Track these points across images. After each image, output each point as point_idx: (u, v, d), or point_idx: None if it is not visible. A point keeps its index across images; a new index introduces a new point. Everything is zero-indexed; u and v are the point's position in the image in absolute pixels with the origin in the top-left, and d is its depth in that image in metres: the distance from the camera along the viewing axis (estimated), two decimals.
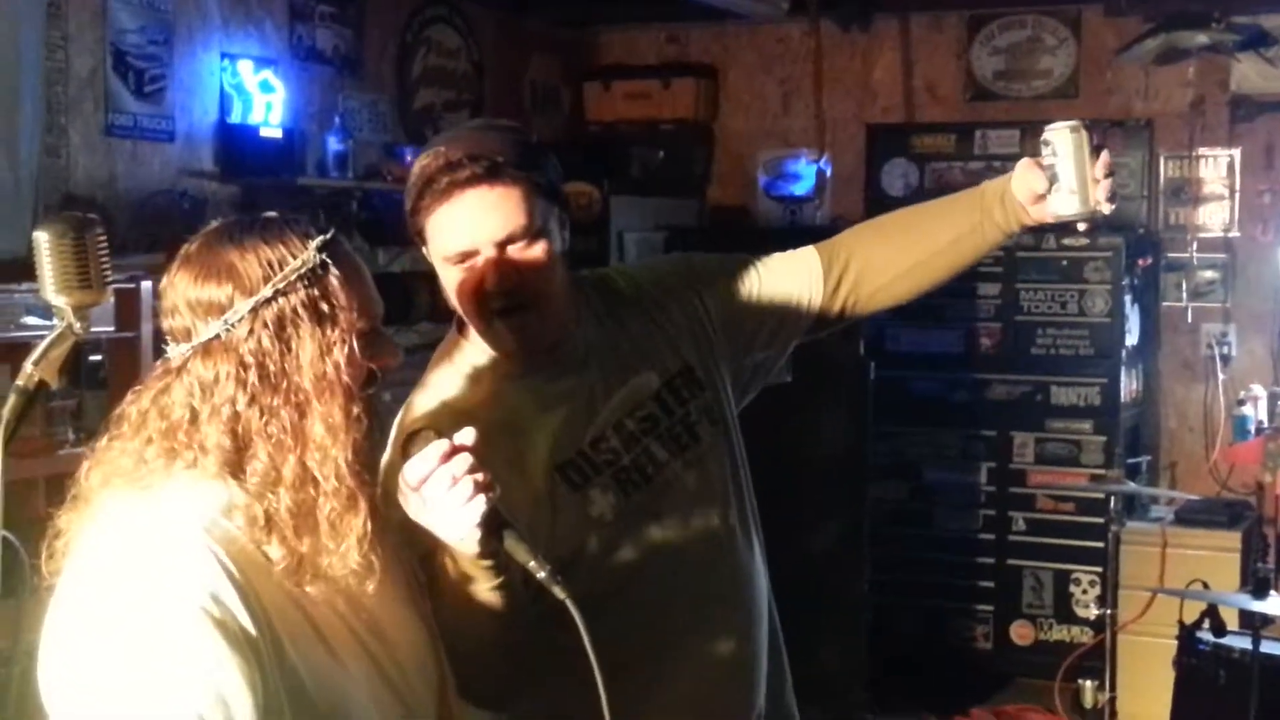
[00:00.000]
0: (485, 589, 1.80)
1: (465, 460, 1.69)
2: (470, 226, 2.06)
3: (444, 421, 1.92)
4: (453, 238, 2.07)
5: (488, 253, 2.07)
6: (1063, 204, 2.10)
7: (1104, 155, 2.13)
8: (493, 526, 1.71)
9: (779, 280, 2.35)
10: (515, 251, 2.08)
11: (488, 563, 1.76)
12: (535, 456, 2.11)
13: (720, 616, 2.22)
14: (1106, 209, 2.15)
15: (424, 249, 2.14)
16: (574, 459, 2.13)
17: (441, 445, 1.69)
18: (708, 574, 2.21)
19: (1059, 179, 2.09)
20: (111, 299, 3.86)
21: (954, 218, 2.33)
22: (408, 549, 1.80)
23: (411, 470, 1.69)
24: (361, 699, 1.62)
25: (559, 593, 1.69)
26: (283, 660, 1.54)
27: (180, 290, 1.63)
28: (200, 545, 1.54)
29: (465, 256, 2.07)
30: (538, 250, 2.09)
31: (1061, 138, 2.08)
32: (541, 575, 1.70)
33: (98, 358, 4.13)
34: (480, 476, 1.69)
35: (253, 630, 1.52)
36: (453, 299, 2.12)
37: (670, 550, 2.17)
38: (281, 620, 1.56)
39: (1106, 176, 2.13)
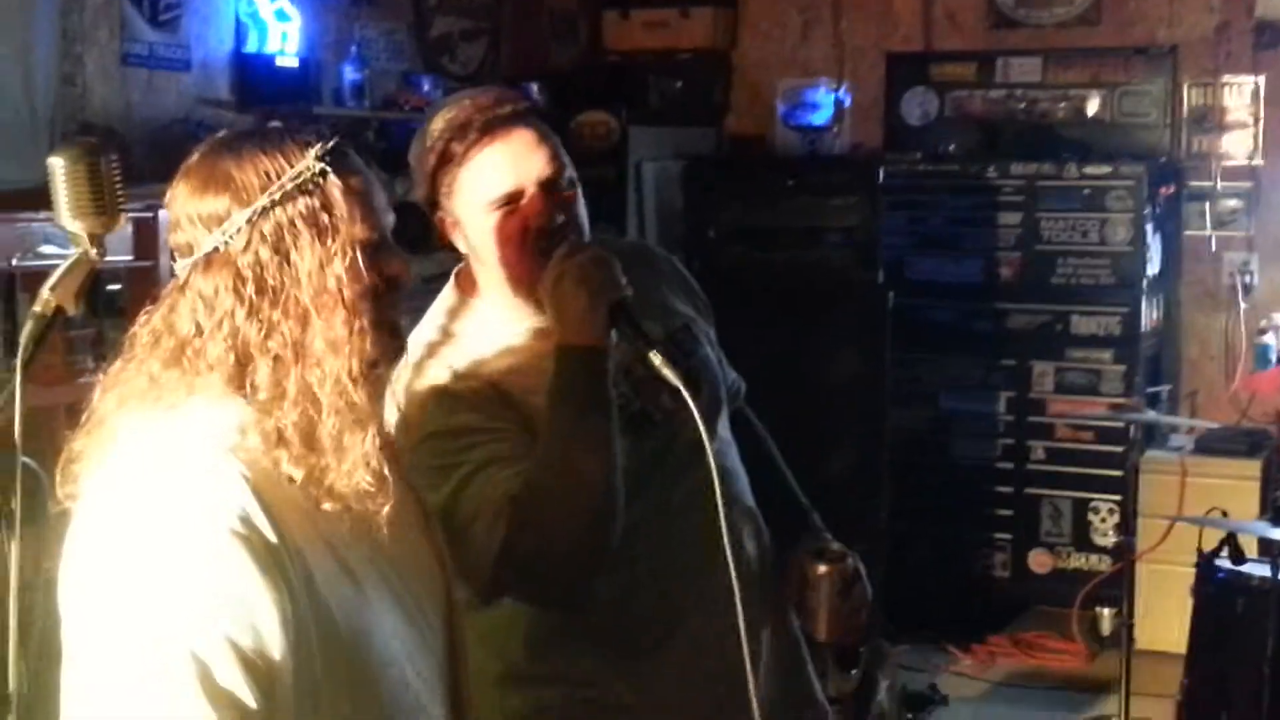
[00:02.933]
0: (597, 397, 1.96)
1: (614, 260, 1.98)
2: (516, 164, 2.07)
3: (471, 382, 2.06)
4: (497, 178, 2.07)
5: (532, 192, 2.08)
6: (807, 625, 2.28)
7: (857, 595, 2.24)
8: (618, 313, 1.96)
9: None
10: (555, 193, 2.10)
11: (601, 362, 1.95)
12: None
13: (715, 582, 2.17)
14: (845, 641, 2.28)
15: (444, 207, 2.14)
16: None
17: (601, 251, 1.99)
18: (705, 534, 2.17)
19: (808, 603, 2.25)
20: (129, 227, 3.88)
21: (774, 525, 2.39)
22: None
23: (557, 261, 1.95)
24: (382, 627, 1.61)
25: (672, 377, 1.90)
26: (310, 585, 1.53)
27: (181, 203, 1.61)
28: (226, 465, 1.53)
29: (510, 199, 2.07)
30: (576, 194, 2.14)
31: (814, 574, 2.23)
32: (656, 361, 1.91)
33: (116, 286, 4.14)
34: (620, 273, 1.97)
35: (282, 553, 1.51)
36: (490, 247, 2.11)
37: (673, 503, 2.18)
38: (307, 543, 1.55)
39: (854, 613, 2.23)
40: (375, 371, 1.62)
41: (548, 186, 2.10)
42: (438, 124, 2.10)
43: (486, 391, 2.09)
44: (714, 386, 2.30)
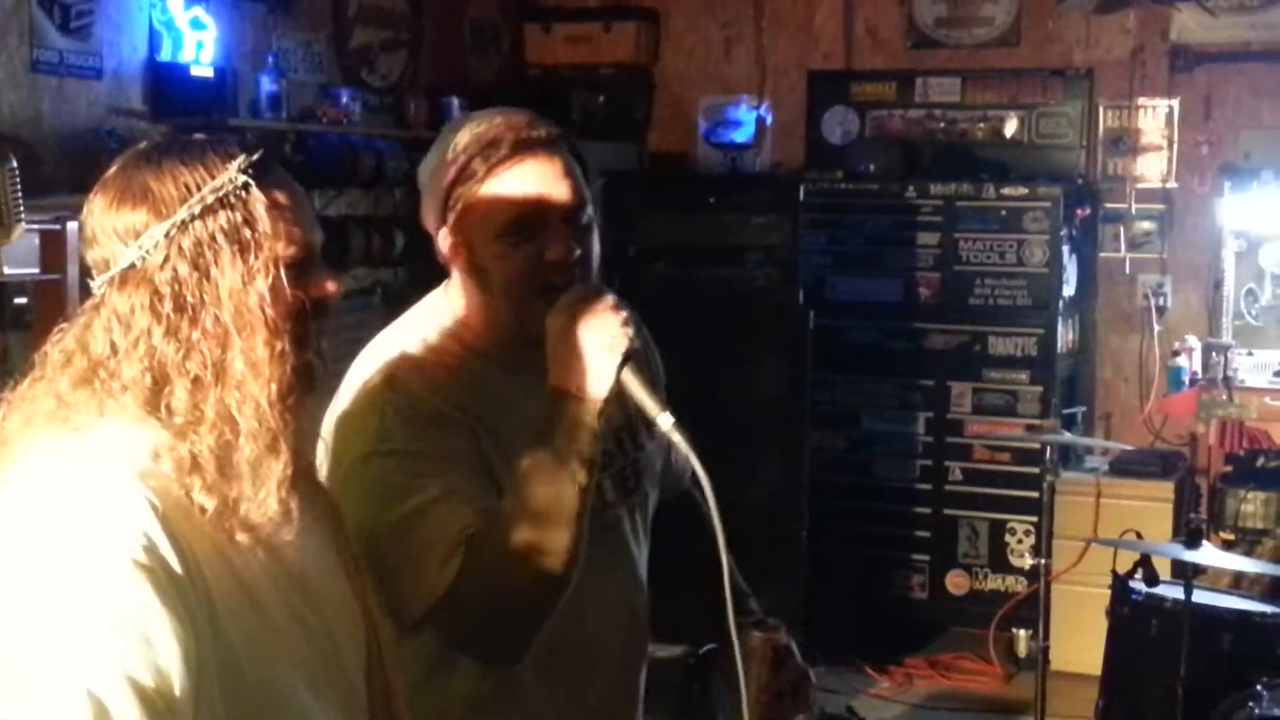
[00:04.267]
0: (585, 458, 1.85)
1: (623, 311, 1.88)
2: (540, 190, 1.99)
3: (421, 389, 1.98)
4: (519, 202, 1.98)
5: (552, 224, 2.00)
6: (738, 702, 2.18)
7: (788, 674, 2.23)
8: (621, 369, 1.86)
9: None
10: (575, 227, 2.03)
11: (598, 422, 1.86)
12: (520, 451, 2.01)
13: (627, 660, 2.22)
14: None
15: (452, 226, 2.03)
16: None
17: (611, 298, 1.89)
18: (627, 619, 2.19)
19: (742, 682, 2.14)
20: (36, 239, 3.79)
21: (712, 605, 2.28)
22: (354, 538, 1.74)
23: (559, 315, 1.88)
24: (292, 669, 1.55)
25: (681, 443, 1.82)
26: (215, 621, 1.46)
27: (97, 216, 1.54)
28: (134, 491, 1.45)
29: (528, 226, 1.98)
30: (593, 232, 2.07)
31: (746, 653, 2.16)
32: (667, 424, 1.83)
33: (23, 300, 4.05)
34: (630, 327, 1.87)
35: (188, 586, 1.44)
36: (498, 274, 2.01)
37: (602, 594, 2.10)
38: (212, 574, 1.48)
39: (783, 696, 2.21)
40: (294, 395, 1.55)
41: (568, 219, 2.01)
42: (463, 137, 2.01)
43: (457, 420, 1.98)
44: (651, 481, 2.26)
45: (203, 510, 1.49)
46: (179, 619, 1.41)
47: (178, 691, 1.39)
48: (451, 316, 2.09)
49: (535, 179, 1.99)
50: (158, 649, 1.39)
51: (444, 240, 2.05)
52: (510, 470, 1.89)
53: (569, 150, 2.06)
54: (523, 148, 2.00)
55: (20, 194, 1.63)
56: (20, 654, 1.37)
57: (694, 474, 1.85)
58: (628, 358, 1.86)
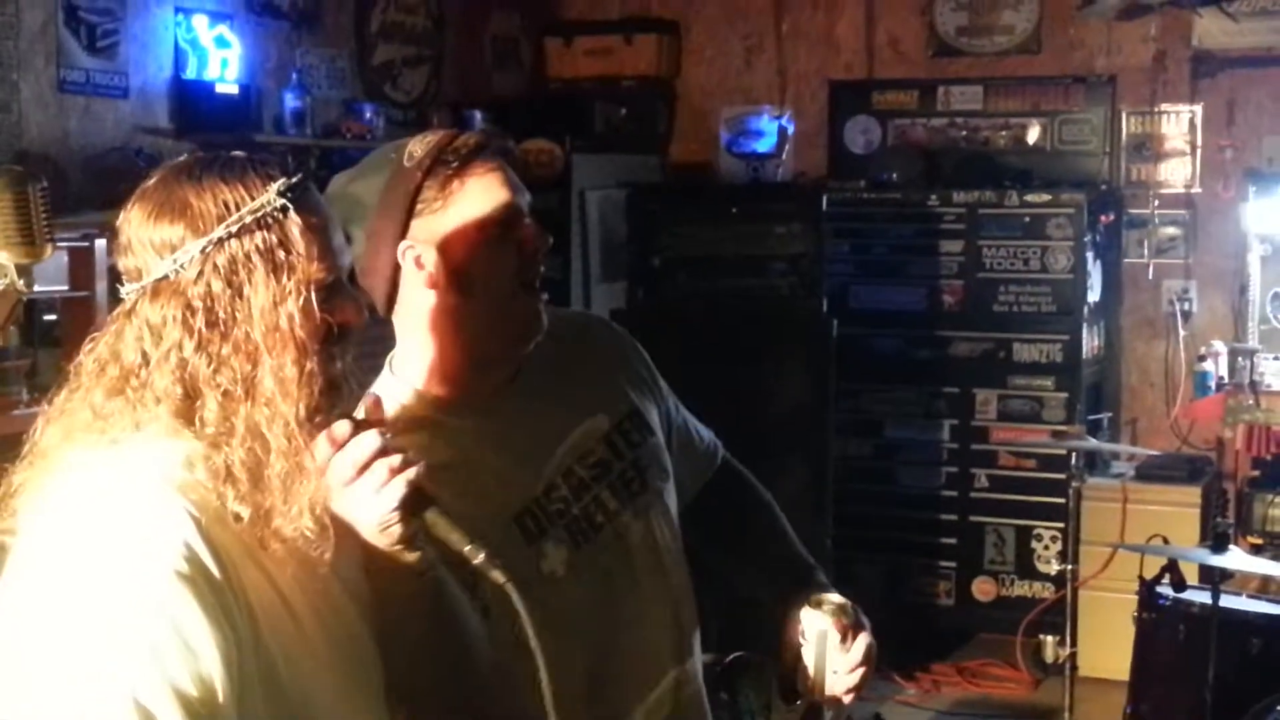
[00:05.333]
0: (416, 589, 1.65)
1: (372, 442, 1.57)
2: (511, 185, 1.97)
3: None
4: (497, 195, 1.96)
5: (523, 218, 1.98)
6: (802, 681, 2.12)
7: (856, 651, 2.09)
8: (414, 509, 1.58)
9: (682, 443, 2.29)
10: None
11: (414, 555, 1.62)
12: (489, 504, 1.93)
13: (657, 677, 2.11)
14: (845, 699, 2.11)
15: (417, 237, 1.95)
16: (529, 507, 1.99)
17: (343, 428, 1.57)
18: (650, 633, 2.10)
19: (804, 659, 2.10)
20: (64, 256, 3.83)
21: (768, 583, 2.28)
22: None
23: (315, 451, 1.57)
24: (324, 676, 1.57)
25: (498, 576, 1.59)
26: (256, 629, 1.48)
27: (134, 226, 1.55)
28: (173, 502, 1.47)
29: (509, 219, 1.96)
30: None
31: (810, 624, 2.09)
32: (478, 560, 1.59)
33: (52, 317, 4.09)
34: (395, 459, 1.57)
35: (228, 595, 1.46)
36: (480, 273, 1.96)
37: (616, 608, 2.06)
38: (251, 583, 1.50)
39: (853, 670, 2.09)
40: (321, 415, 1.56)
41: (530, 214, 2.01)
42: (415, 148, 1.96)
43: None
44: (661, 475, 2.16)
45: (237, 518, 1.51)
46: (221, 628, 1.43)
47: (221, 700, 1.42)
48: (400, 384, 2.00)
49: (501, 177, 1.97)
50: (201, 658, 1.41)
51: (408, 253, 1.95)
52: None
53: (506, 154, 2.03)
54: (478, 150, 1.97)
55: (50, 213, 1.66)
56: (67, 666, 1.39)
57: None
58: (408, 501, 1.58)
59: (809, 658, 2.07)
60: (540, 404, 2.06)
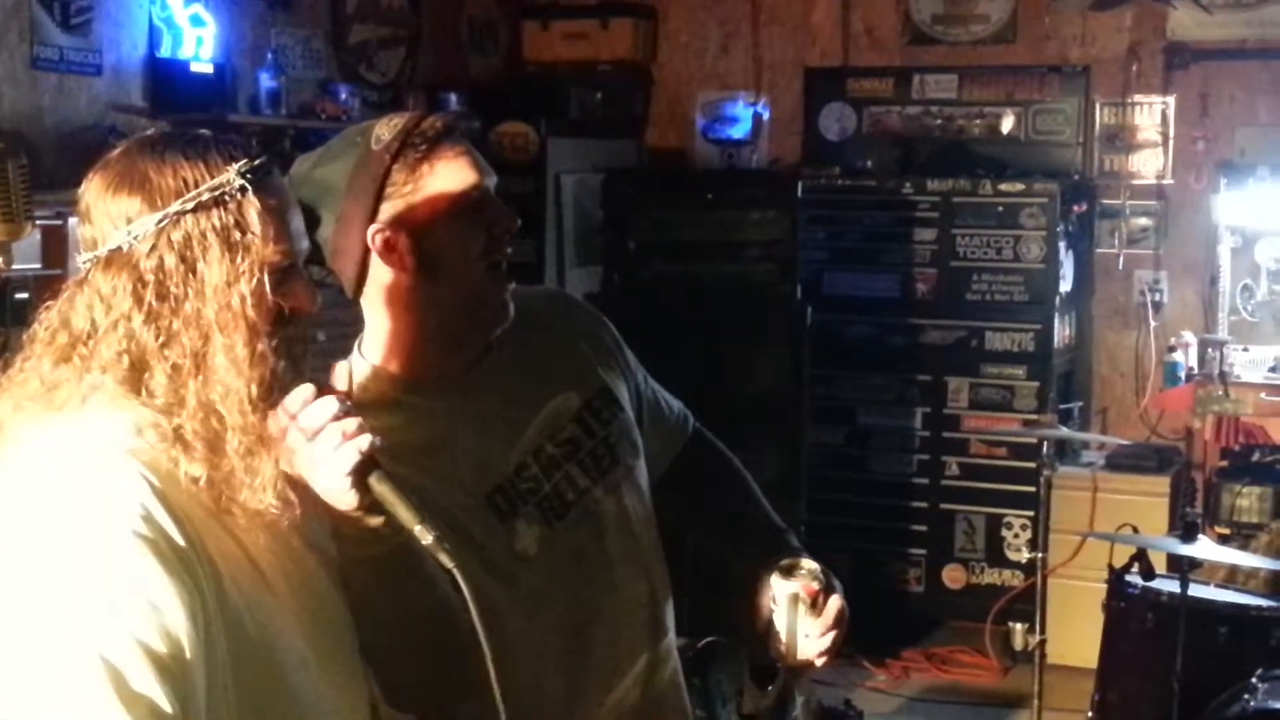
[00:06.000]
0: (383, 552, 1.65)
1: (330, 406, 1.57)
2: (478, 168, 1.98)
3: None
4: (468, 174, 1.97)
5: (492, 200, 1.99)
6: (774, 646, 2.11)
7: (828, 614, 2.08)
8: (365, 476, 1.58)
9: (652, 417, 2.29)
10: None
11: (377, 520, 1.62)
12: (460, 484, 1.96)
13: (634, 655, 2.12)
14: (817, 663, 2.11)
15: (387, 218, 1.94)
16: (501, 486, 2.00)
17: (306, 390, 1.58)
18: (625, 610, 2.11)
19: (775, 624, 2.09)
20: (37, 234, 3.80)
21: (741, 550, 2.26)
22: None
23: (275, 417, 1.58)
24: (293, 633, 1.58)
25: (445, 559, 1.58)
26: (219, 585, 1.50)
27: (93, 196, 1.57)
28: (126, 466, 1.49)
29: (480, 198, 1.97)
30: None
31: (781, 589, 2.08)
32: (426, 540, 1.58)
33: (24, 295, 4.06)
34: (350, 424, 1.57)
35: (189, 553, 1.47)
36: (453, 254, 1.96)
37: (590, 586, 2.06)
38: (213, 541, 1.52)
39: (824, 634, 2.08)
40: (274, 397, 1.57)
41: (498, 196, 2.02)
42: (382, 132, 1.96)
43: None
44: (632, 451, 2.16)
45: (194, 480, 1.52)
46: (184, 585, 1.45)
47: (188, 655, 1.43)
48: (370, 367, 2.01)
49: (469, 160, 1.98)
50: (166, 615, 1.43)
51: (377, 236, 1.95)
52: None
53: (469, 137, 2.04)
54: (446, 133, 1.98)
55: (29, 190, 1.65)
56: (33, 630, 1.40)
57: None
58: (362, 470, 1.58)
59: (780, 622, 2.07)
60: (510, 383, 2.07)
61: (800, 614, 2.06)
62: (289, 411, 1.57)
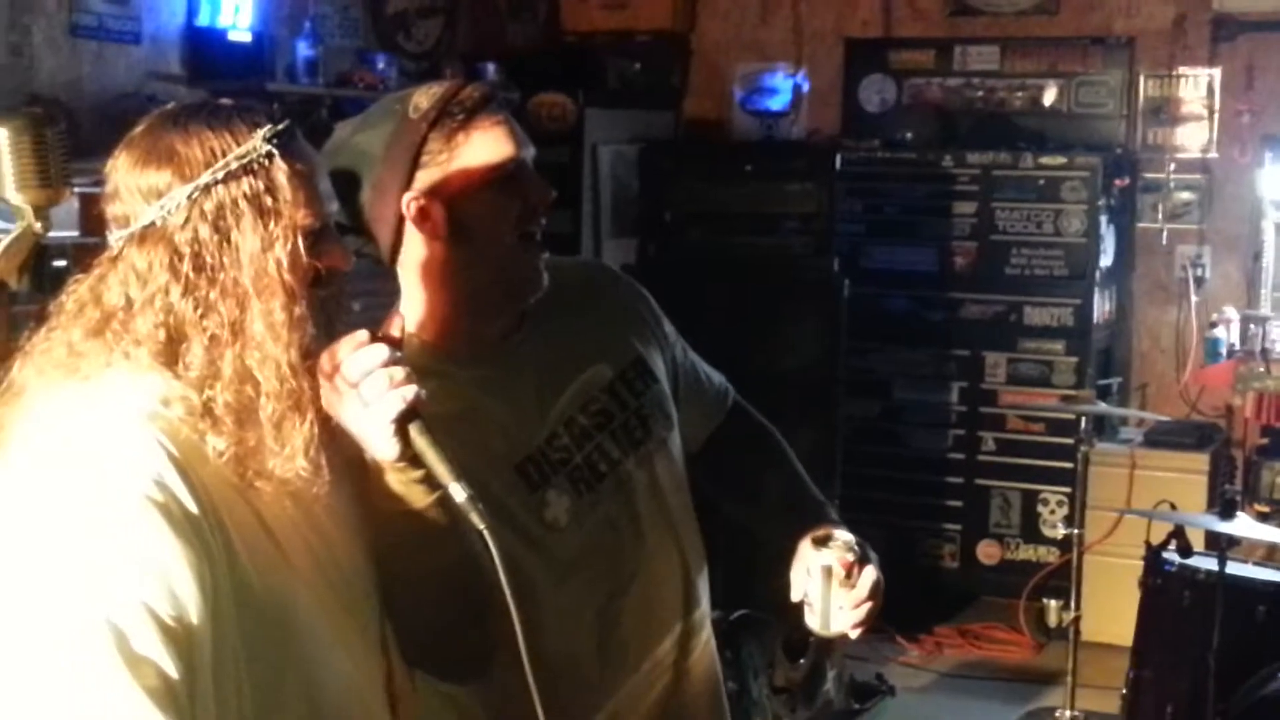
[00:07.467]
0: (421, 507, 1.65)
1: (381, 352, 1.59)
2: (515, 139, 1.99)
3: None
4: (505, 145, 1.97)
5: (528, 171, 2.00)
6: (808, 617, 2.10)
7: (862, 586, 2.05)
8: (407, 425, 1.60)
9: (690, 388, 2.29)
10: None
11: (416, 474, 1.63)
12: (492, 453, 1.97)
13: (667, 627, 2.13)
14: (851, 634, 2.09)
15: (423, 185, 1.95)
16: (533, 456, 2.01)
17: (360, 336, 1.60)
18: (657, 581, 2.12)
19: (809, 596, 2.08)
20: (76, 201, 3.81)
21: (779, 524, 2.22)
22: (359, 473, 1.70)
23: (330, 358, 1.60)
24: (307, 601, 1.58)
25: (476, 520, 1.60)
26: (231, 553, 1.50)
27: (121, 174, 1.58)
28: (143, 433, 1.50)
29: (514, 174, 1.97)
30: None
31: (815, 561, 2.06)
32: (461, 499, 1.60)
33: (62, 263, 4.07)
34: (398, 373, 1.59)
35: (200, 518, 1.48)
36: (486, 222, 1.97)
37: (622, 557, 2.07)
38: (228, 512, 1.52)
39: (858, 606, 2.05)
40: (313, 359, 1.58)
41: (534, 168, 2.03)
42: (420, 100, 1.97)
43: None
44: (665, 423, 2.17)
45: (218, 454, 1.53)
46: (195, 551, 1.46)
47: (195, 620, 1.44)
48: (413, 336, 1.99)
49: (505, 129, 1.99)
50: (174, 580, 1.44)
51: (412, 204, 1.96)
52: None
53: (508, 107, 2.04)
54: (485, 101, 1.98)
55: (68, 156, 1.66)
56: (41, 590, 1.42)
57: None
58: (405, 418, 1.60)
59: (813, 594, 2.06)
60: (543, 353, 2.08)
61: (834, 586, 2.05)
62: (340, 355, 1.59)
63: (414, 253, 2.00)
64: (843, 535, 2.09)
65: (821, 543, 2.07)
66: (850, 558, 2.05)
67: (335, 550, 1.65)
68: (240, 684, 1.50)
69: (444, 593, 1.72)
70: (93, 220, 3.94)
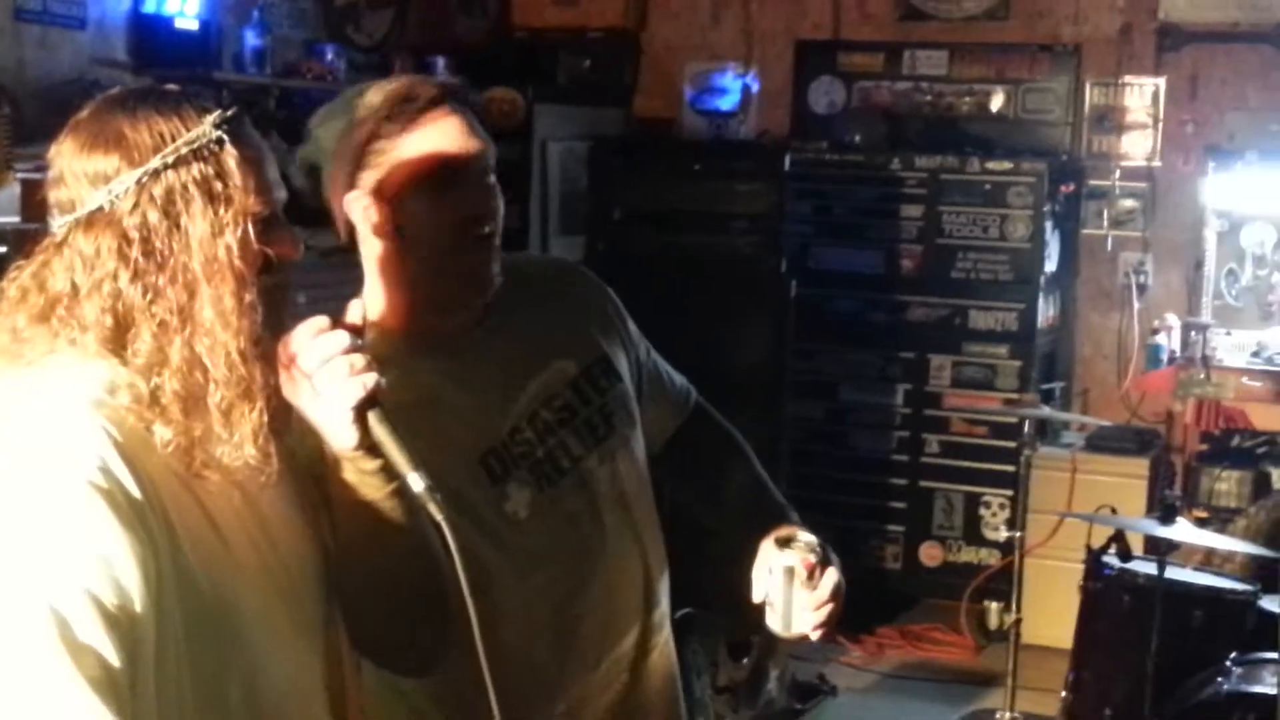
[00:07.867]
0: (379, 497, 1.64)
1: (342, 339, 1.58)
2: (459, 143, 1.97)
3: None
4: (442, 154, 1.95)
5: (470, 176, 1.98)
6: (769, 618, 2.10)
7: (823, 588, 2.05)
8: (366, 413, 1.59)
9: (653, 389, 2.29)
10: (487, 179, 2.01)
11: (374, 463, 1.61)
12: (454, 444, 1.97)
13: (626, 625, 2.13)
14: (813, 636, 2.09)
15: (368, 188, 1.95)
16: (495, 448, 2.01)
17: (320, 322, 1.58)
18: (617, 579, 2.12)
19: (770, 596, 2.08)
20: (17, 187, 3.77)
21: (741, 526, 2.23)
22: (310, 464, 1.69)
23: (286, 345, 1.59)
24: (250, 595, 1.57)
25: (434, 510, 1.58)
26: (174, 544, 1.48)
27: (67, 159, 1.55)
28: (89, 420, 1.48)
29: (450, 178, 1.95)
30: (499, 190, 2.03)
31: (777, 562, 2.07)
32: (419, 489, 1.58)
33: (2, 249, 4.03)
34: (358, 360, 1.58)
35: (145, 506, 1.46)
36: (427, 228, 1.96)
37: (582, 552, 2.07)
38: (173, 503, 1.50)
39: (820, 607, 2.05)
40: (262, 346, 1.56)
41: (484, 173, 2.00)
42: (373, 97, 1.97)
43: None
44: (628, 421, 2.17)
45: (164, 444, 1.51)
46: (138, 539, 1.44)
47: (138, 608, 1.42)
48: (375, 325, 1.97)
49: (452, 131, 1.97)
50: (117, 567, 1.41)
51: (354, 204, 1.97)
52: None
53: (469, 107, 2.03)
54: (436, 102, 1.97)
55: (10, 140, 1.63)
56: None
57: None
58: (364, 406, 1.59)
59: (775, 595, 2.06)
60: (508, 347, 2.08)
61: (796, 587, 2.06)
62: (299, 340, 1.58)
63: (368, 247, 2.01)
64: (805, 537, 2.10)
65: (784, 543, 2.08)
66: (813, 559, 2.06)
67: (280, 545, 1.63)
68: (181, 675, 1.48)
69: (399, 584, 1.70)
70: (35, 206, 3.90)
